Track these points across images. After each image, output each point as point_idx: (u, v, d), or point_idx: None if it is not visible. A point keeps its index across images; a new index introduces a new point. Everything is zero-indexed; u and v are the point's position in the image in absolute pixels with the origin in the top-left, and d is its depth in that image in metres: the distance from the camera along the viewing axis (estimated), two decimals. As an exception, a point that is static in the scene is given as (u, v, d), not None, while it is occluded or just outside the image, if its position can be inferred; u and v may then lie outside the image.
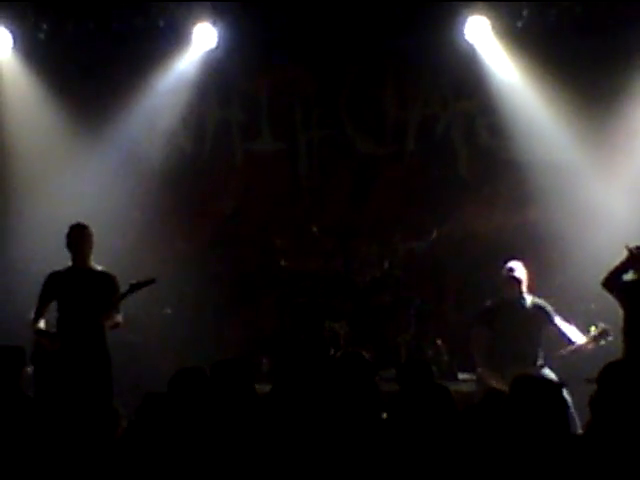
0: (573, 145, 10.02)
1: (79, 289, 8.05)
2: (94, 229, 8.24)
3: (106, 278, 8.12)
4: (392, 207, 10.68)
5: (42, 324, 8.07)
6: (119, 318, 8.13)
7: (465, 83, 10.46)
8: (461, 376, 9.26)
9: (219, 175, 10.89)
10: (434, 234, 10.28)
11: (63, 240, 8.16)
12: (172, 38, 10.24)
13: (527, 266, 8.37)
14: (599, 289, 7.99)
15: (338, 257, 10.32)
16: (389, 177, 10.83)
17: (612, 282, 7.80)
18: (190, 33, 10.18)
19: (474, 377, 8.55)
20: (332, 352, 8.58)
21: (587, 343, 8.02)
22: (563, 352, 8.09)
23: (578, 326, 8.23)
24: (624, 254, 7.76)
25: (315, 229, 10.50)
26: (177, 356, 9.28)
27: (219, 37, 10.18)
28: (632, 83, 9.93)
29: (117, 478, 4.78)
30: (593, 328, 8.03)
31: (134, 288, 8.02)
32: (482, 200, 10.51)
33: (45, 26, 10.03)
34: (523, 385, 4.88)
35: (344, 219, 10.71)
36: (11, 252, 10.30)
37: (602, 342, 7.98)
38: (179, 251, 10.57)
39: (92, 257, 8.18)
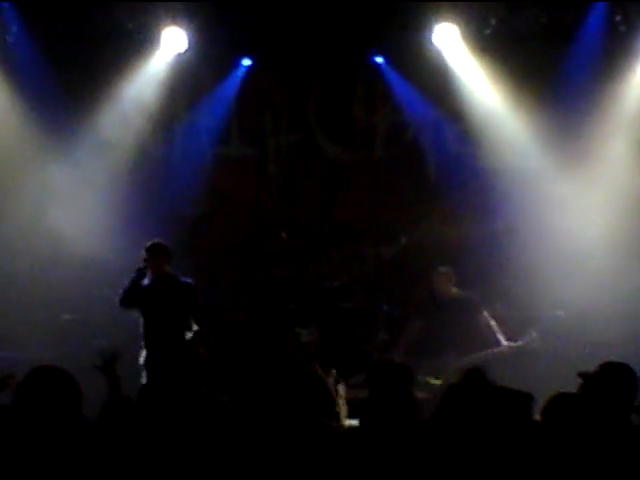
0: (542, 152, 10.09)
1: None
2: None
3: None
4: (361, 213, 10.72)
5: None
6: None
7: (434, 90, 10.51)
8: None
9: (188, 179, 10.85)
10: (403, 240, 10.30)
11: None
12: (141, 41, 10.22)
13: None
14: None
15: (307, 263, 10.33)
16: (358, 183, 10.88)
17: None
18: (159, 36, 10.15)
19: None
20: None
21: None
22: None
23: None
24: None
25: (284, 235, 10.49)
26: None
27: (189, 40, 10.17)
28: (599, 90, 10.02)
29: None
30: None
31: None
32: (451, 207, 10.57)
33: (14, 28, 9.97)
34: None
35: (313, 225, 10.73)
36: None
37: None
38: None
39: None
